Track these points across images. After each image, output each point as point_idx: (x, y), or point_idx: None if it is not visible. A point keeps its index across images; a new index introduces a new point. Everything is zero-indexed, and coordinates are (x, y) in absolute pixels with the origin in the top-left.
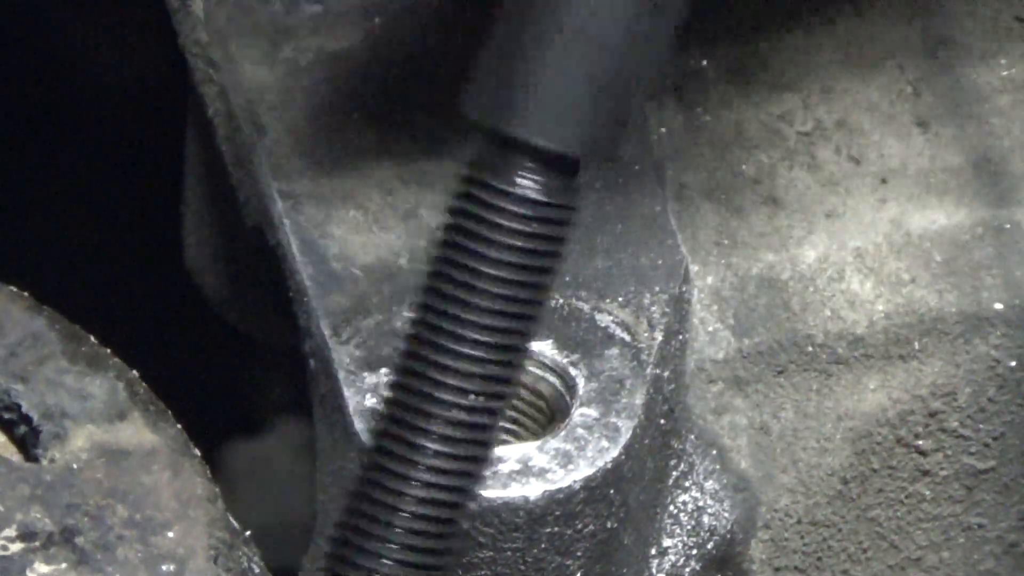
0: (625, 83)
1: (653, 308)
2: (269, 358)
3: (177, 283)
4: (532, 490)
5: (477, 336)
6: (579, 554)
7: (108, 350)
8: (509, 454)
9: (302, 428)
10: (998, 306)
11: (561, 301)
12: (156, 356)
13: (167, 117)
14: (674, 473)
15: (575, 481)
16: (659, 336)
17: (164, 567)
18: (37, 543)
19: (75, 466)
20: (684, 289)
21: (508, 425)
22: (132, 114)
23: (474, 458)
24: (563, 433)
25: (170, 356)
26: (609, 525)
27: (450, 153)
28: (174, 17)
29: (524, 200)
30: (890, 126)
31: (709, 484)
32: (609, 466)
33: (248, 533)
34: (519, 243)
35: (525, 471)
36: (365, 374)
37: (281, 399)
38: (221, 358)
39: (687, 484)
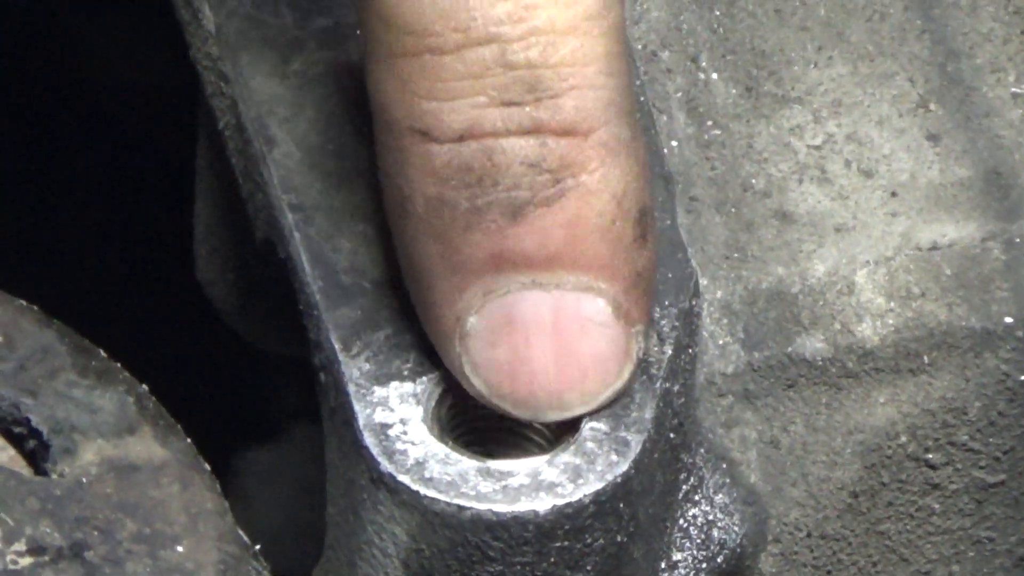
0: None
1: (663, 322)
2: (280, 368)
3: (188, 295)
4: (542, 504)
5: None
6: (589, 568)
7: (118, 364)
8: (519, 468)
9: (312, 436)
10: (1008, 320)
11: None
12: (167, 367)
13: (178, 129)
14: (684, 487)
15: (585, 495)
16: (669, 350)
17: None
18: (47, 557)
19: (84, 480)
20: (694, 303)
21: (518, 439)
22: (143, 126)
23: None
24: (573, 447)
25: (181, 367)
26: (619, 539)
27: None
28: (185, 30)
29: None
30: (900, 140)
31: (719, 498)
32: (619, 480)
33: (257, 547)
34: None
35: (535, 485)
36: (375, 388)
37: (291, 408)
38: (232, 369)
39: (697, 498)
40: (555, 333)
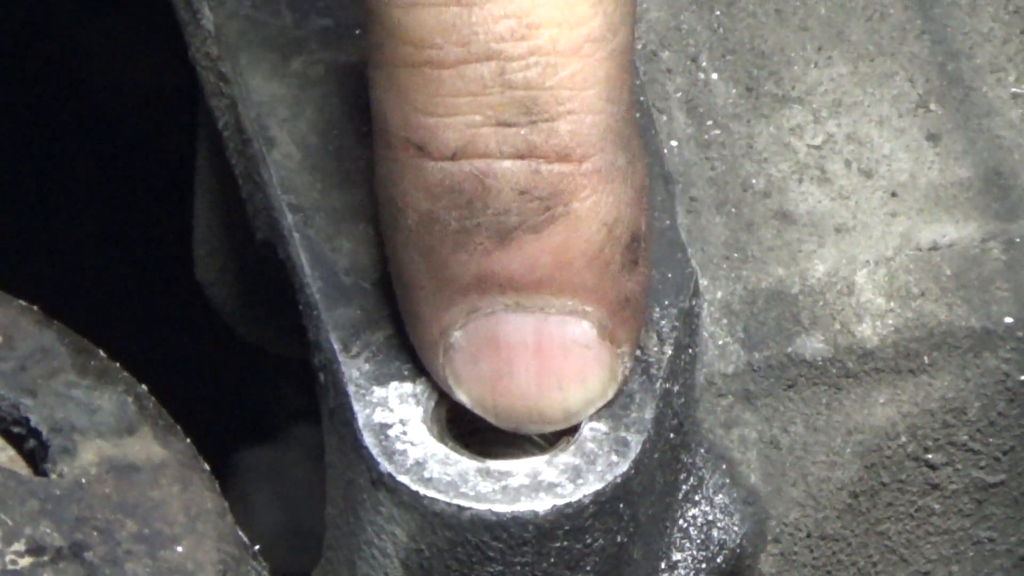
0: None
1: (663, 322)
2: (279, 368)
3: (188, 295)
4: (541, 504)
5: None
6: (588, 568)
7: (117, 364)
8: (518, 468)
9: (312, 437)
10: (1008, 320)
11: None
12: (167, 367)
13: (178, 130)
14: (684, 487)
15: (585, 495)
16: (669, 350)
17: None
18: (46, 557)
19: (84, 480)
20: (694, 303)
21: (517, 440)
22: (143, 126)
23: None
24: (573, 447)
25: (181, 367)
26: (619, 539)
27: None
28: (185, 31)
29: None
30: (900, 139)
31: (719, 498)
32: (619, 480)
33: (257, 548)
34: None
35: (535, 485)
36: (374, 388)
37: (291, 409)
38: (231, 369)
39: (697, 498)
40: (538, 354)
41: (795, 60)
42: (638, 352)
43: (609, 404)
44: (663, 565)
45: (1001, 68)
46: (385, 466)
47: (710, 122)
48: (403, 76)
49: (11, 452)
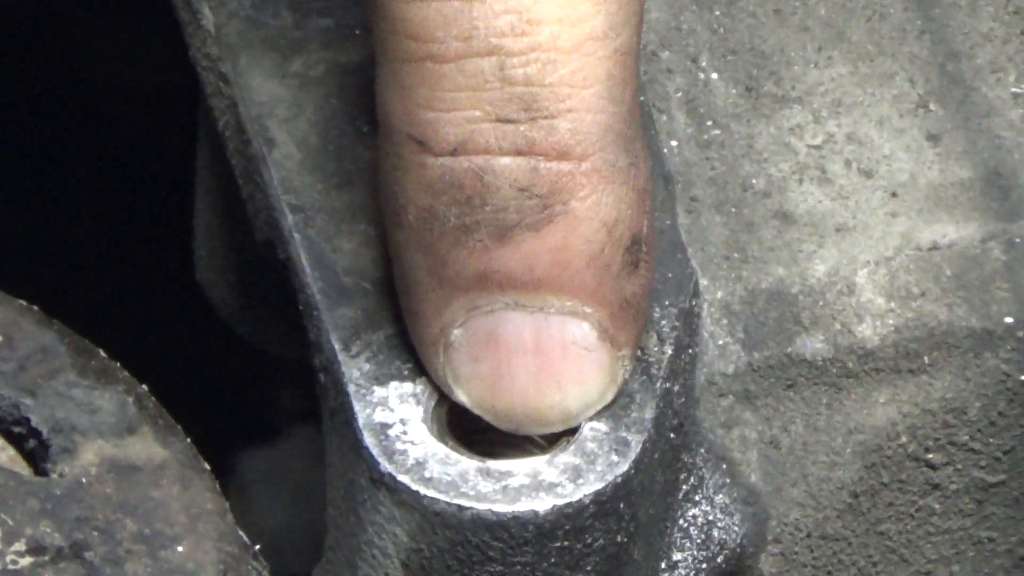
0: None
1: (663, 322)
2: (280, 368)
3: (188, 295)
4: (542, 504)
5: None
6: (589, 568)
7: (118, 364)
8: (519, 468)
9: (312, 437)
10: (1008, 320)
11: None
12: (167, 367)
13: (178, 130)
14: (684, 487)
15: (585, 495)
16: (669, 350)
17: None
18: (46, 557)
19: (84, 480)
20: (694, 303)
21: (517, 440)
22: (143, 126)
23: None
24: (573, 447)
25: (181, 367)
26: (619, 539)
27: None
28: (185, 31)
29: None
30: (900, 140)
31: (719, 498)
32: (619, 480)
33: (257, 547)
34: None
35: (535, 485)
36: (375, 388)
37: (291, 409)
38: (232, 369)
39: (697, 498)
40: (536, 354)
41: (795, 60)
42: (638, 352)
43: (609, 405)
44: (663, 565)
45: (1001, 68)
46: (385, 466)
47: (710, 122)
48: (405, 71)
49: (11, 452)
